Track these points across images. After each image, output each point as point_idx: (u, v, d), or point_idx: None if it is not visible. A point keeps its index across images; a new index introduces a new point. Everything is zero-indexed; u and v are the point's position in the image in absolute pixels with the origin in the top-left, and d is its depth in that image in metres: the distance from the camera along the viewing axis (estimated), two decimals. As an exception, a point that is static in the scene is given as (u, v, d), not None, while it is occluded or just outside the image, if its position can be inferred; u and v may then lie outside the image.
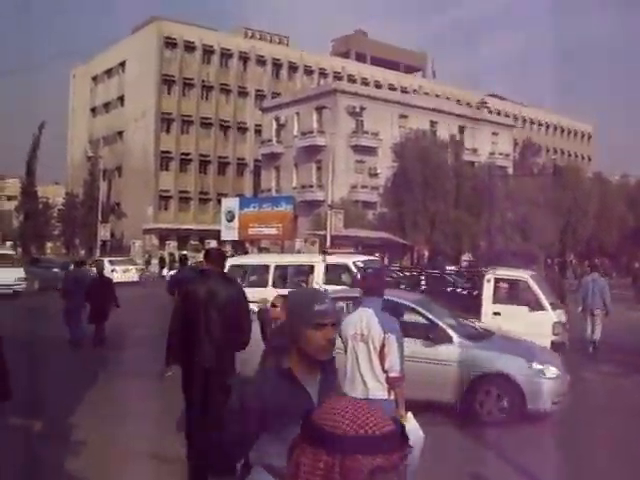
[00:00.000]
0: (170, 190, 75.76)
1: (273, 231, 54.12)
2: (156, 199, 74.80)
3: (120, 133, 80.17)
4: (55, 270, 34.05)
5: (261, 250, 59.88)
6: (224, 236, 58.32)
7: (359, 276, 10.12)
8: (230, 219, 57.90)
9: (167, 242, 65.69)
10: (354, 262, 19.42)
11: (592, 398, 12.16)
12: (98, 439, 8.49)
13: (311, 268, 19.53)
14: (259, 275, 21.07)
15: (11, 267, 30.36)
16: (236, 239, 58.90)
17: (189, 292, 7.31)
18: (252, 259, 23.42)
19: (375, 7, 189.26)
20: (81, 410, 9.91)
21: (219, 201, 67.60)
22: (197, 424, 7.11)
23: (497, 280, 15.39)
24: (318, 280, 18.71)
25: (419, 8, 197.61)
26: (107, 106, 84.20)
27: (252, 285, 19.98)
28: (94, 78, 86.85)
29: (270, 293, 18.26)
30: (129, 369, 13.07)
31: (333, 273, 19.26)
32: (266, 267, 20.50)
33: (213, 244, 58.45)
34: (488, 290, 15.14)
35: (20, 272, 30.59)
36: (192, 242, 68.56)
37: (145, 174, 73.90)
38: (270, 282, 19.64)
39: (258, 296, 18.49)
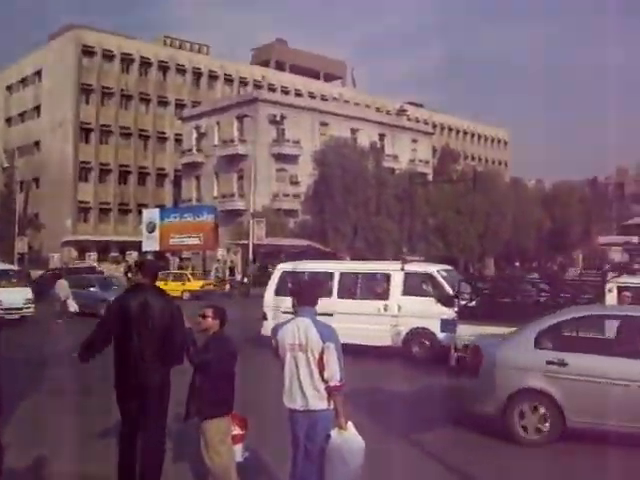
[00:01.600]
0: (89, 201, 74.51)
1: (195, 241, 53.65)
2: (75, 210, 73.46)
3: (37, 143, 78.54)
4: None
5: (182, 260, 59.50)
6: (145, 247, 57.60)
7: (292, 285, 10.04)
8: (151, 230, 57.22)
9: (87, 254, 64.61)
10: (439, 270, 18.23)
11: None
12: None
13: (387, 277, 18.12)
14: None
15: (16, 287, 26.09)
16: (157, 250, 58.30)
17: (120, 306, 7.12)
18: (311, 265, 20.86)
19: (295, 16, 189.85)
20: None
21: (140, 212, 66.78)
22: (130, 442, 6.98)
23: (621, 289, 14.36)
24: (396, 291, 17.61)
25: (339, 18, 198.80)
26: (22, 116, 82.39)
27: None
28: (8, 87, 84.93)
29: (335, 305, 17.37)
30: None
31: (413, 283, 17.80)
32: (329, 275, 18.69)
33: (134, 255, 57.85)
34: (611, 300, 14.14)
35: (27, 292, 26.10)
36: (113, 254, 67.61)
37: (63, 185, 72.51)
38: (335, 292, 18.20)
39: (320, 307, 17.61)
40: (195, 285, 41.13)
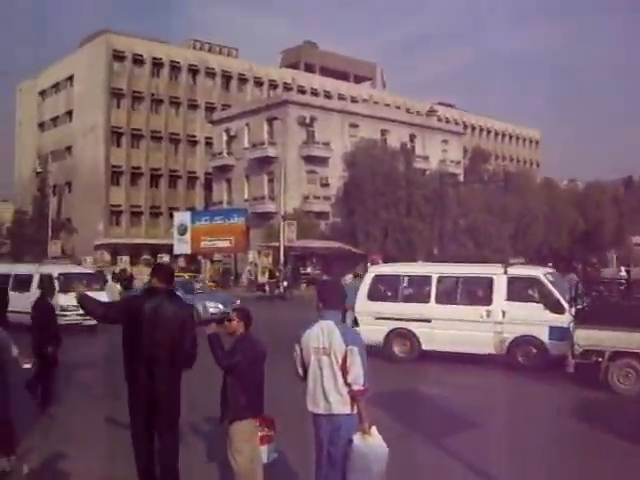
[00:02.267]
0: (121, 205, 75.03)
1: (225, 244, 53.95)
2: (107, 214, 74.03)
3: (69, 148, 79.22)
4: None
5: (213, 263, 59.70)
6: (177, 250, 57.99)
7: (317, 288, 9.98)
8: (182, 233, 57.58)
9: (119, 257, 65.04)
10: (545, 274, 17.17)
11: None
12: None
13: (489, 281, 17.06)
14: (417, 288, 18.62)
15: (94, 291, 21.71)
16: (189, 253, 58.59)
17: (132, 308, 7.15)
18: (407, 268, 20.05)
19: (324, 18, 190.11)
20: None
21: (171, 215, 67.19)
22: (142, 445, 7.00)
23: None
24: (499, 296, 16.67)
25: (369, 19, 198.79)
26: (55, 121, 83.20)
27: (408, 300, 18.13)
28: (41, 93, 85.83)
29: (433, 311, 17.07)
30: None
31: (518, 287, 16.92)
32: (427, 278, 17.82)
33: (166, 259, 58.13)
34: None
35: (104, 296, 22.63)
36: (144, 257, 68.02)
37: (95, 189, 73.10)
38: (433, 297, 17.38)
39: (417, 313, 17.43)
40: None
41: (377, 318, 17.58)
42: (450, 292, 17.62)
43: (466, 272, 18.25)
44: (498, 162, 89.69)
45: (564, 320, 14.89)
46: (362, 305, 17.94)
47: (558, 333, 15.24)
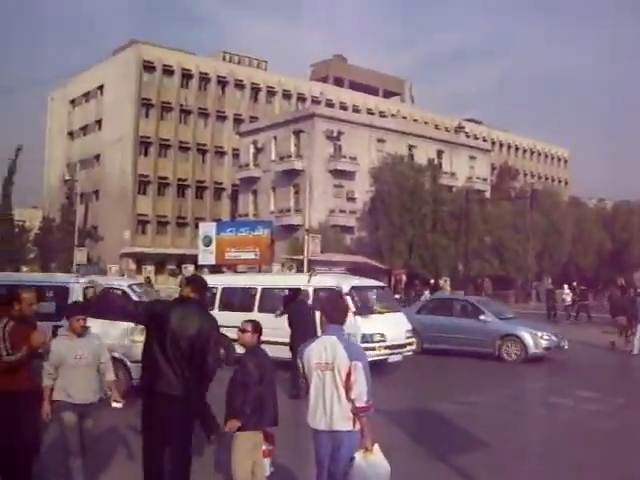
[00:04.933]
0: (148, 214, 75.41)
1: (250, 256, 53.85)
2: (133, 223, 74.42)
3: (97, 157, 79.76)
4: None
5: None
6: (201, 260, 58.01)
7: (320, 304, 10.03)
8: (207, 244, 57.59)
9: (144, 266, 65.28)
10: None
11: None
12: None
13: None
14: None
15: (391, 312, 19.12)
16: (213, 263, 58.69)
17: (158, 311, 7.25)
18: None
19: (355, 32, 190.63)
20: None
21: (197, 225, 67.29)
22: (153, 454, 6.99)
23: None
24: None
25: (399, 34, 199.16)
26: (85, 129, 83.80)
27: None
28: (72, 101, 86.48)
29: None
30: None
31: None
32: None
33: (190, 269, 58.23)
34: None
35: (403, 319, 19.13)
36: (169, 267, 68.24)
37: (122, 198, 73.57)
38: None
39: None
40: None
41: None
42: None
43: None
44: (526, 179, 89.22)
45: None
46: None
47: None
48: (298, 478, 7.89)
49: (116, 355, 11.34)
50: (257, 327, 7.09)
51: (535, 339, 20.86)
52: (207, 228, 59.91)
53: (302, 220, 56.55)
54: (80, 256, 57.72)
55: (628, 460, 9.81)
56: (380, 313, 18.32)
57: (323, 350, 6.17)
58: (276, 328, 16.61)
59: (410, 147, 67.19)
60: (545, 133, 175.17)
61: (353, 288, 18.08)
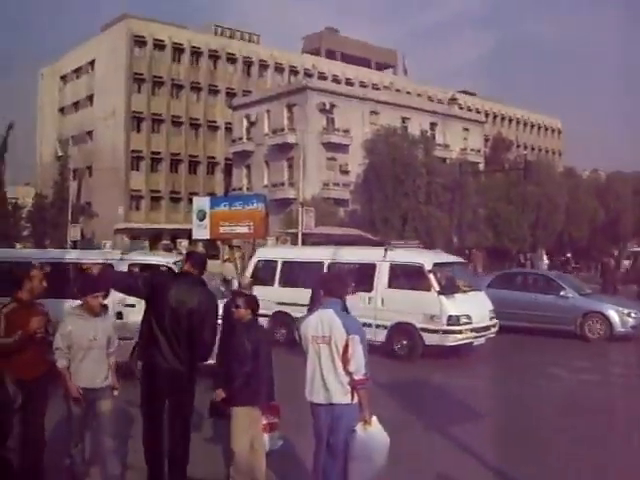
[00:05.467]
0: (141, 189, 75.29)
1: (244, 230, 53.51)
2: (127, 199, 74.30)
3: (90, 132, 79.45)
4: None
5: (232, 248, 59.72)
6: (195, 235, 57.73)
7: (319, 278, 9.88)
8: (201, 218, 57.21)
9: (138, 241, 65.17)
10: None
11: None
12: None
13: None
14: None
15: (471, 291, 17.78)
16: (208, 238, 58.64)
17: (158, 285, 7.17)
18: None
19: (346, 4, 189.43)
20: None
21: (190, 200, 67.02)
22: (153, 430, 6.99)
23: None
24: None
25: (391, 5, 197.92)
26: (76, 105, 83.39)
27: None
28: (63, 77, 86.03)
29: None
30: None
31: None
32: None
33: (184, 244, 58.22)
34: None
35: (485, 299, 17.81)
36: (164, 242, 68.13)
37: (116, 173, 73.35)
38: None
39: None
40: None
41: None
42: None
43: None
44: (519, 151, 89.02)
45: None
46: None
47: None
48: (297, 451, 7.88)
49: None
50: (250, 302, 7.06)
51: (622, 317, 19.77)
52: (201, 202, 59.55)
53: (296, 193, 56.50)
54: (74, 232, 57.58)
55: None
56: (463, 292, 17.14)
57: (320, 323, 6.17)
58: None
59: (403, 119, 66.97)
60: (538, 104, 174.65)
61: (435, 265, 16.91)
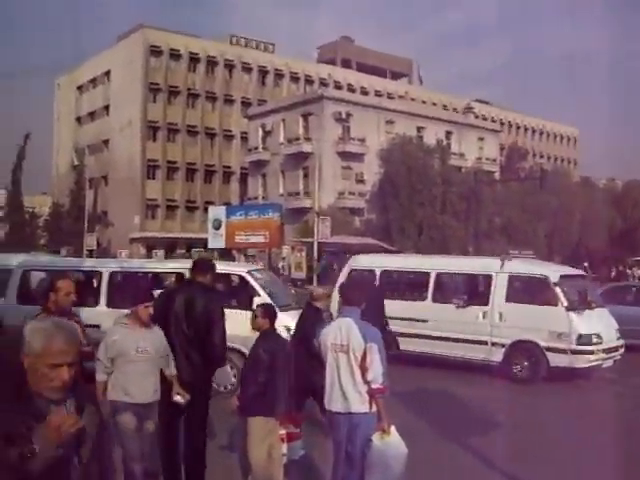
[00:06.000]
0: (157, 199, 75.53)
1: (260, 239, 53.83)
2: (143, 208, 74.53)
3: (106, 142, 79.84)
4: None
5: (247, 258, 59.78)
6: (211, 244, 58.06)
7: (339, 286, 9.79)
8: (217, 227, 57.60)
9: (154, 251, 65.33)
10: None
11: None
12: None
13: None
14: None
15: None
16: (223, 247, 58.71)
17: (163, 303, 7.10)
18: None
19: (362, 14, 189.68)
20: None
21: (206, 209, 67.29)
22: (171, 430, 6.97)
23: None
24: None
25: (406, 15, 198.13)
26: (92, 115, 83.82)
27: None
28: (79, 87, 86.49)
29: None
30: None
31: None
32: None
33: (200, 253, 58.29)
34: None
35: (607, 315, 15.83)
36: (179, 251, 68.28)
37: (131, 183, 73.63)
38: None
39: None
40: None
41: None
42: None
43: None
44: (535, 160, 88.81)
45: None
46: None
47: None
48: (316, 460, 7.84)
49: (235, 346, 10.15)
50: (267, 311, 7.01)
51: None
52: (217, 212, 59.90)
53: (311, 203, 56.49)
54: (90, 241, 57.91)
55: None
56: (590, 308, 15.04)
57: (338, 331, 6.17)
58: (457, 322, 15.29)
59: (419, 128, 66.90)
60: (554, 113, 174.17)
61: (562, 277, 15.23)
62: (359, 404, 6.01)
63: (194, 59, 77.90)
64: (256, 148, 69.67)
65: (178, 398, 6.64)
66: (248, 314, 7.55)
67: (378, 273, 16.90)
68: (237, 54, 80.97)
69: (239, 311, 10.82)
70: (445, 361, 15.45)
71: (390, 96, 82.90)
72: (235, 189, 79.90)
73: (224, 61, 79.55)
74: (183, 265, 13.09)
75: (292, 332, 9.36)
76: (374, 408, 6.01)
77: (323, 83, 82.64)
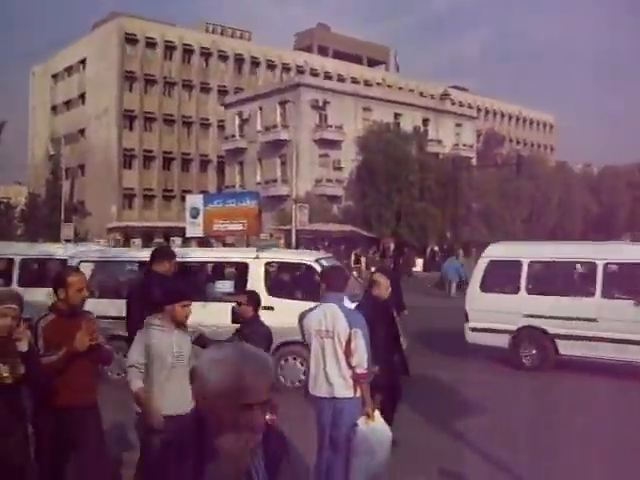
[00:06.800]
0: (134, 188, 75.15)
1: (238, 227, 53.18)
2: (120, 197, 74.15)
3: (82, 131, 79.31)
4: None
5: (225, 246, 59.68)
6: (189, 233, 57.42)
7: (320, 272, 9.59)
8: (194, 216, 56.93)
9: (132, 240, 64.99)
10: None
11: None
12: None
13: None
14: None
15: None
16: (201, 235, 58.55)
17: (131, 294, 7.14)
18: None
19: (338, 1, 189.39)
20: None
21: (183, 198, 66.92)
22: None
23: None
24: None
25: (382, 2, 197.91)
26: (68, 104, 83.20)
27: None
28: (54, 76, 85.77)
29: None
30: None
31: None
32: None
33: (178, 242, 58.08)
34: None
35: None
36: (157, 240, 67.96)
37: (108, 172, 73.22)
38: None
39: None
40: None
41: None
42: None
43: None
44: (512, 146, 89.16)
45: None
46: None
47: None
48: (300, 445, 7.79)
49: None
50: (252, 299, 7.05)
51: None
52: (194, 200, 59.15)
53: (289, 190, 56.50)
54: (67, 231, 57.44)
55: None
56: None
57: (323, 317, 6.18)
58: (636, 321, 12.94)
59: (396, 115, 66.95)
60: (530, 99, 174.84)
61: None
62: (343, 389, 6.05)
63: (170, 47, 77.42)
64: (233, 136, 69.46)
65: None
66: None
67: (525, 264, 14.42)
68: (213, 42, 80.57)
69: (306, 303, 9.20)
70: (613, 367, 13.30)
71: (367, 83, 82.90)
72: (212, 177, 79.62)
73: (200, 49, 79.14)
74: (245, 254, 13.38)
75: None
76: (358, 393, 6.05)
77: (300, 71, 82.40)
